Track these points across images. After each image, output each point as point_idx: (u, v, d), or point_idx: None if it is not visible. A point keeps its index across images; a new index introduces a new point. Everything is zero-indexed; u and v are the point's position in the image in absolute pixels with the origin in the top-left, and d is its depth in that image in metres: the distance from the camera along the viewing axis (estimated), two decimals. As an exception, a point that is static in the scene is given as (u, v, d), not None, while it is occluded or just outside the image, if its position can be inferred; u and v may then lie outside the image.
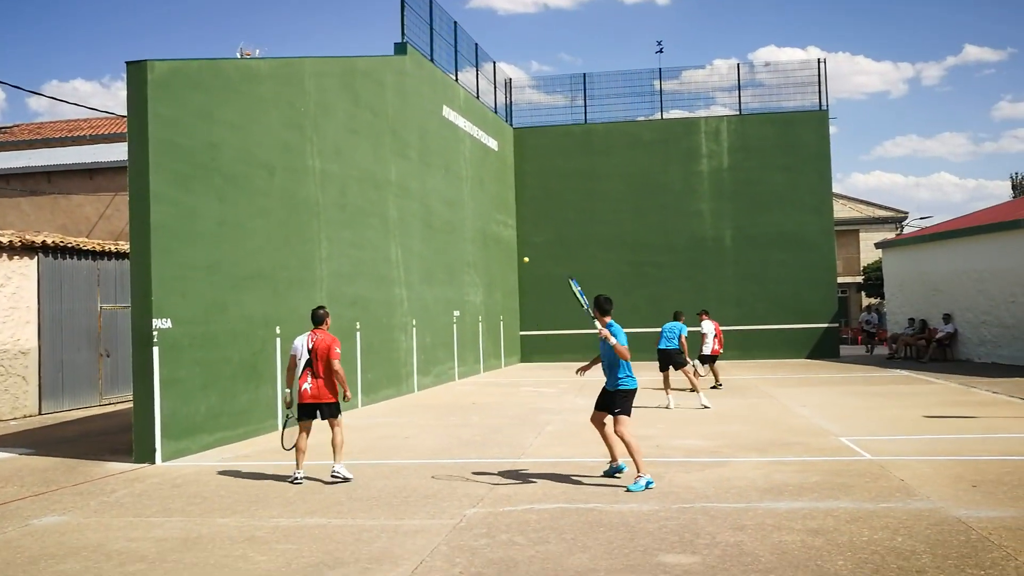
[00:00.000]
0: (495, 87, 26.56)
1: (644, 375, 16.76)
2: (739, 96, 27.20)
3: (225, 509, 7.59)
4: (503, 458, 9.74)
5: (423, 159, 19.00)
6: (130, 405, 11.01)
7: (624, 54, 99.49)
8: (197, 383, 10.72)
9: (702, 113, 27.86)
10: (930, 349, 23.49)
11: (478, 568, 5.73)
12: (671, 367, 14.67)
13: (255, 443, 11.20)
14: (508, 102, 27.93)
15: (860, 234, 44.95)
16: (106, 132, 27.51)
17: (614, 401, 8.27)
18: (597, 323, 8.32)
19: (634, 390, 8.30)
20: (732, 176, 26.63)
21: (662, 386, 14.70)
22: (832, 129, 30.31)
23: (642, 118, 27.80)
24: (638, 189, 26.88)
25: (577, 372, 9.08)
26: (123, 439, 11.15)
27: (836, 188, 33.95)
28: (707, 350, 16.89)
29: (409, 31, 18.78)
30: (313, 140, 14.03)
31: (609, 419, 8.32)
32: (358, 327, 15.17)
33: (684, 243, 26.59)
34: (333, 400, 8.64)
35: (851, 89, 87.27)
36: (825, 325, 26.02)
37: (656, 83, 27.66)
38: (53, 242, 15.70)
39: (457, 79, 21.98)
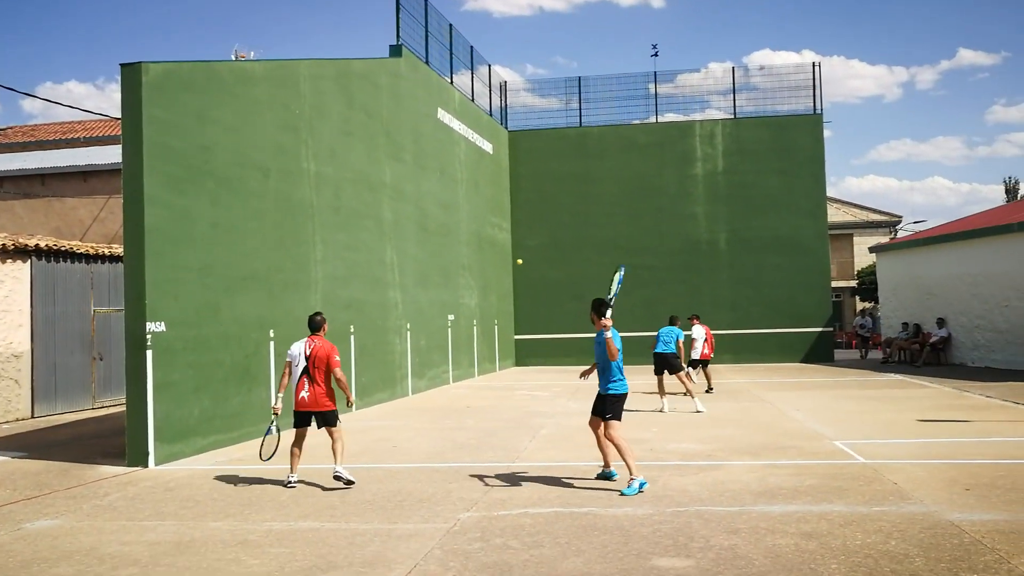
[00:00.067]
0: (490, 90, 26.58)
1: (638, 379, 16.88)
2: (734, 100, 27.26)
3: (218, 513, 7.57)
4: (497, 462, 9.73)
5: (418, 162, 18.99)
6: (123, 408, 10.97)
7: (619, 57, 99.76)
8: (190, 386, 10.69)
9: (697, 116, 27.95)
10: (924, 353, 23.55)
11: (472, 572, 5.72)
12: (666, 371, 14.69)
13: (248, 446, 11.16)
14: (503, 105, 27.95)
15: (854, 238, 45.06)
16: (100, 134, 27.42)
17: (604, 405, 8.27)
18: (606, 315, 8.27)
19: (624, 394, 8.28)
20: (727, 180, 26.68)
21: (657, 390, 14.71)
22: (826, 133, 30.39)
23: (637, 121, 27.86)
24: (633, 192, 26.91)
25: (581, 376, 9.08)
26: (116, 442, 11.10)
27: (830, 192, 34.14)
28: (696, 354, 16.96)
29: (404, 33, 18.78)
30: (308, 142, 14.02)
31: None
32: (352, 330, 15.14)
33: (679, 246, 26.62)
34: (330, 408, 8.57)
35: (845, 93, 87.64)
36: (819, 329, 26.07)
37: (651, 86, 27.73)
38: (46, 245, 15.66)
39: (452, 82, 21.99)
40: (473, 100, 23.93)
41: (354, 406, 11.22)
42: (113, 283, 16.83)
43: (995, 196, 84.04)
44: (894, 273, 27.10)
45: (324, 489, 8.40)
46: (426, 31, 20.36)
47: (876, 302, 33.98)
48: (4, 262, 14.96)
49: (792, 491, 7.85)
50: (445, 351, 20.34)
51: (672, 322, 15.40)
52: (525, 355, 27.04)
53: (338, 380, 8.54)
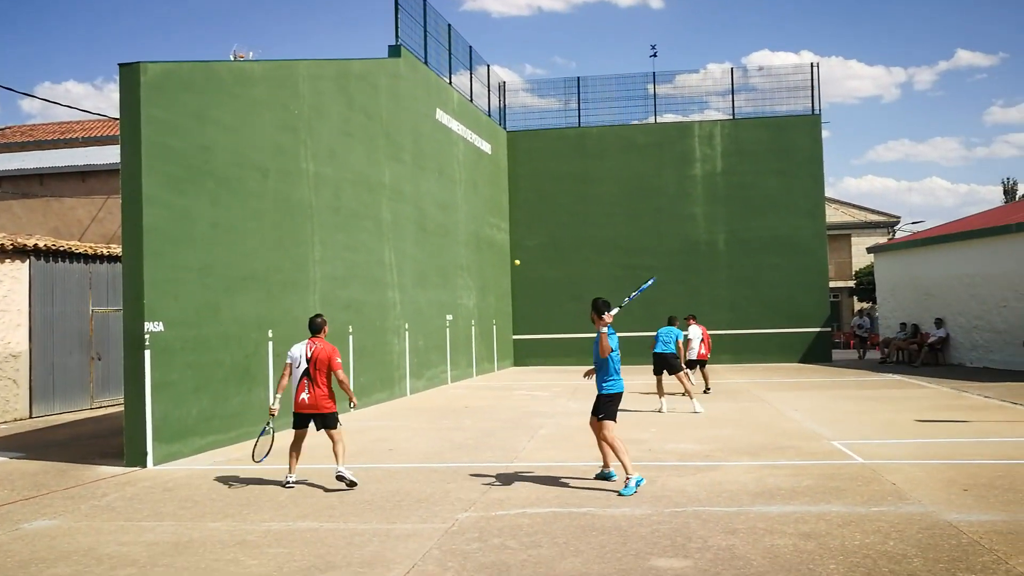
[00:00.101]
0: (489, 90, 26.58)
1: (637, 379, 16.89)
2: (732, 100, 27.28)
3: (216, 513, 7.57)
4: (496, 462, 9.73)
5: (417, 162, 19.00)
6: (121, 408, 10.97)
7: (618, 58, 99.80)
8: (189, 386, 10.69)
9: (696, 117, 27.98)
10: (922, 353, 23.57)
11: (470, 572, 5.72)
12: (665, 371, 14.69)
13: (247, 447, 11.12)
14: (502, 105, 27.95)
15: (852, 238, 45.10)
16: (99, 134, 27.40)
17: (599, 405, 8.29)
18: (606, 314, 8.29)
19: (618, 394, 8.28)
20: (725, 180, 26.69)
21: (655, 390, 14.72)
22: (825, 133, 30.42)
23: (636, 122, 27.86)
24: (631, 193, 26.92)
25: (584, 376, 9.09)
26: (114, 442, 11.10)
27: (828, 192, 34.18)
28: (693, 355, 16.98)
29: (403, 34, 18.78)
30: (307, 143, 14.02)
31: (602, 423, 8.32)
32: (351, 330, 15.14)
33: (677, 247, 26.63)
34: (330, 411, 8.56)
35: (844, 93, 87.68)
36: (817, 329, 26.08)
37: (650, 87, 27.73)
38: (45, 245, 15.65)
39: (451, 82, 21.99)
40: (472, 100, 23.93)
41: (355, 407, 11.22)
42: (112, 283, 16.83)
43: (993, 197, 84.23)
44: (892, 273, 27.12)
45: (323, 490, 8.40)
46: (425, 31, 20.36)
47: (874, 302, 34.02)
48: (2, 262, 14.94)
49: (790, 491, 7.85)
50: (443, 351, 20.34)
51: (671, 322, 15.41)
52: (524, 355, 27.04)
53: (340, 382, 8.54)
